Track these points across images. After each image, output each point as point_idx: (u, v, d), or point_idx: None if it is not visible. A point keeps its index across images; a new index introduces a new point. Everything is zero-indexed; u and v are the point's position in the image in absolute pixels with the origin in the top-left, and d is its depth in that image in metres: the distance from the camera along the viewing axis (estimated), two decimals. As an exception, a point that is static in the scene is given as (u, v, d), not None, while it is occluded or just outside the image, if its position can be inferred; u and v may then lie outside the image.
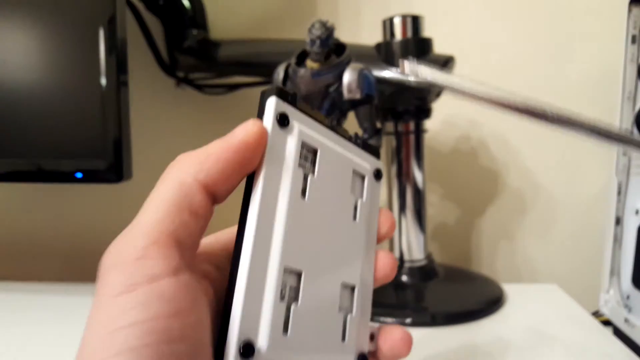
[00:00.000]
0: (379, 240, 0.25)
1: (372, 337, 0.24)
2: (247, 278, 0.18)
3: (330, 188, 0.22)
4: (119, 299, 0.16)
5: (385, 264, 0.24)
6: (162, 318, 0.16)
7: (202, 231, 0.19)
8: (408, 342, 0.23)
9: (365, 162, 0.25)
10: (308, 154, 0.21)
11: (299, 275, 0.20)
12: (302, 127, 0.21)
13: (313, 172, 0.21)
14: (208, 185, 0.18)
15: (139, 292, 0.16)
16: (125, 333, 0.15)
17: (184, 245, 0.18)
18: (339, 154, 0.23)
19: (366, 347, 0.23)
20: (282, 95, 0.20)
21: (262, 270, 0.18)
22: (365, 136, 0.42)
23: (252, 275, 0.18)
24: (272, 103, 0.20)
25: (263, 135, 0.19)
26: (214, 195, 0.19)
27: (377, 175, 0.25)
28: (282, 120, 0.20)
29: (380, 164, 0.26)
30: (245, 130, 0.19)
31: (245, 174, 0.19)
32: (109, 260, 0.17)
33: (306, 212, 0.21)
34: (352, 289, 0.23)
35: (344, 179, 0.23)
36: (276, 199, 0.20)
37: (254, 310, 0.18)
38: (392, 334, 0.23)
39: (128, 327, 0.15)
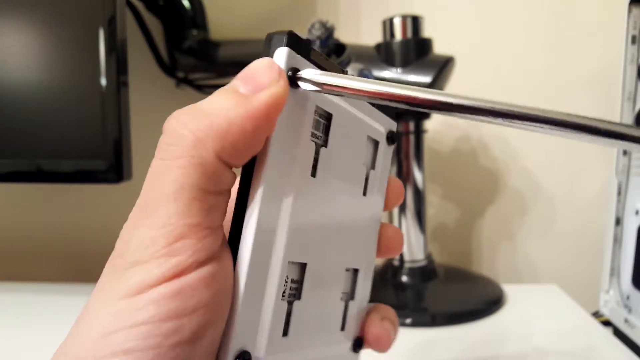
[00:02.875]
0: (385, 209, 0.22)
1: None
2: (246, 278, 0.15)
3: (342, 161, 0.19)
4: (131, 299, 0.14)
5: (390, 239, 0.22)
6: (173, 317, 0.13)
7: (228, 201, 0.16)
8: (388, 342, 0.22)
9: (379, 125, 0.21)
10: (320, 121, 0.18)
11: (302, 267, 0.17)
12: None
13: (325, 143, 0.18)
14: (230, 162, 0.15)
15: (154, 290, 0.14)
16: (125, 334, 0.13)
17: (215, 229, 0.15)
18: (355, 117, 0.19)
19: (360, 329, 0.22)
20: (295, 43, 0.16)
21: (263, 268, 0.16)
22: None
23: (252, 274, 0.15)
24: (282, 54, 0.16)
25: (288, 88, 0.15)
26: (233, 166, 0.16)
27: (391, 138, 0.22)
28: (294, 79, 0.16)
29: (395, 125, 0.22)
30: (272, 91, 0.15)
31: (267, 135, 0.16)
32: (127, 256, 0.14)
33: (315, 193, 0.17)
34: (355, 271, 0.21)
35: (358, 149, 0.20)
36: (284, 181, 0.16)
37: (253, 315, 0.16)
38: (375, 328, 0.22)
39: (129, 327, 0.13)
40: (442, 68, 0.47)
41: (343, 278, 0.20)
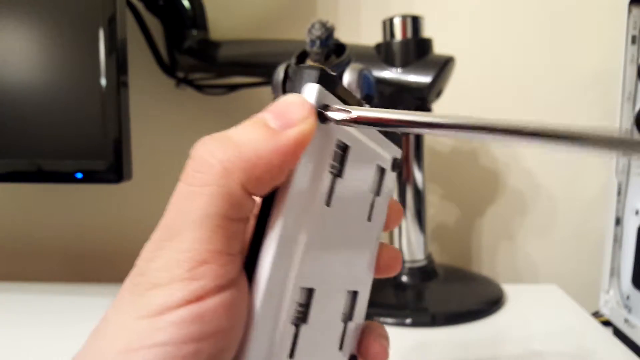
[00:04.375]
0: (384, 230, 0.23)
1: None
2: (261, 306, 0.16)
3: (354, 189, 0.20)
4: (152, 319, 0.14)
5: (390, 260, 0.23)
6: (193, 341, 0.14)
7: (247, 229, 0.16)
8: (385, 359, 0.22)
9: (386, 153, 0.22)
10: (338, 152, 0.18)
11: (310, 291, 0.18)
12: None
13: (341, 173, 0.18)
14: (253, 192, 0.16)
15: (176, 313, 0.14)
16: (145, 353, 0.13)
17: (235, 255, 0.15)
18: (367, 147, 0.20)
19: (355, 347, 0.22)
20: (325, 79, 0.16)
21: (277, 295, 0.16)
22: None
23: (267, 302, 0.16)
24: (313, 91, 0.16)
25: (316, 126, 0.16)
26: (256, 195, 0.16)
27: (395, 165, 0.22)
28: (323, 115, 0.16)
29: (399, 153, 0.23)
30: (301, 129, 0.16)
31: (291, 170, 0.16)
32: (149, 277, 0.15)
33: (328, 222, 0.18)
34: (355, 293, 0.21)
35: (368, 177, 0.21)
36: (302, 212, 0.17)
37: (265, 340, 0.16)
38: (374, 346, 0.22)
39: (150, 347, 0.13)
40: (442, 68, 0.47)
41: (344, 300, 0.20)
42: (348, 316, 0.21)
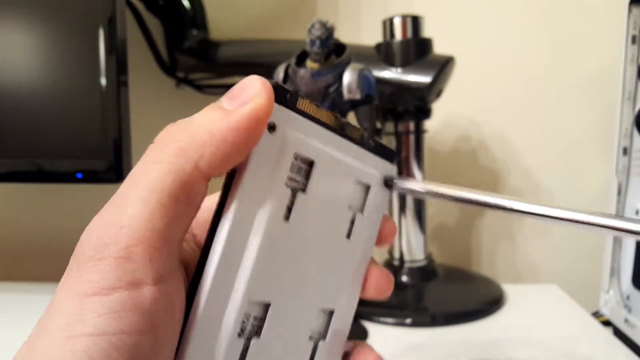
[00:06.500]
0: (376, 246, 0.22)
1: (347, 356, 0.22)
2: (202, 311, 0.16)
3: (323, 205, 0.19)
4: (89, 300, 0.14)
5: (381, 282, 0.22)
6: (134, 333, 0.14)
7: (193, 218, 0.16)
8: None
9: (373, 169, 0.21)
10: (302, 166, 0.18)
11: (266, 306, 0.18)
12: (298, 136, 0.18)
13: (304, 188, 0.18)
14: (208, 173, 0.16)
15: (114, 297, 0.14)
16: (88, 342, 0.13)
17: (173, 242, 0.15)
18: (341, 163, 0.20)
19: None
20: (279, 94, 0.17)
21: (221, 303, 0.16)
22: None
23: (208, 308, 0.16)
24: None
25: (272, 103, 0.16)
26: (210, 178, 0.16)
27: (388, 182, 0.22)
28: (271, 125, 0.17)
29: (394, 170, 0.22)
30: (253, 104, 0.16)
31: (250, 150, 0.16)
32: (86, 250, 0.14)
33: (287, 236, 0.18)
34: (330, 312, 0.21)
35: (342, 193, 0.20)
36: (252, 222, 0.17)
37: (205, 349, 0.16)
38: (364, 358, 0.21)
39: (94, 335, 0.13)
40: (442, 68, 0.47)
41: (315, 319, 0.20)
42: (321, 335, 0.20)
